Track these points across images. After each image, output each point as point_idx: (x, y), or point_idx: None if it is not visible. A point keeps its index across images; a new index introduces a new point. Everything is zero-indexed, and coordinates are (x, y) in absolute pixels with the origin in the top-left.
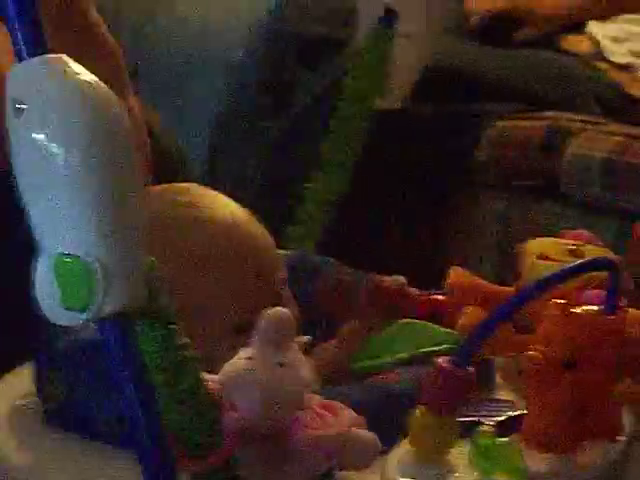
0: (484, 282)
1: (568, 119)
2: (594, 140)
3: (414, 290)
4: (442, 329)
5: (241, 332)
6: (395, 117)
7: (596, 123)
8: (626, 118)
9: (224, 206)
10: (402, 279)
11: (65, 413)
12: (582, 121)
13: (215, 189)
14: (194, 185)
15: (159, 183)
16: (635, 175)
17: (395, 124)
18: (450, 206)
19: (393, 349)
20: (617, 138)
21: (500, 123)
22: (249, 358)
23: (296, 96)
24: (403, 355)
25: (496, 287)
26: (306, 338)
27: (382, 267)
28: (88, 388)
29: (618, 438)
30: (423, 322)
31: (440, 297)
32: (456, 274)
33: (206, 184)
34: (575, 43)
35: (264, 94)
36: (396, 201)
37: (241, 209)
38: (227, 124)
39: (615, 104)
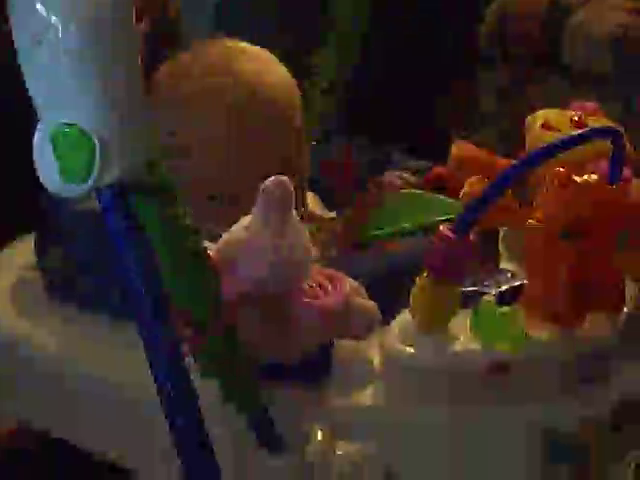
0: (487, 154)
1: None
2: (597, 13)
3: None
4: (446, 199)
5: (216, 201)
6: None
7: None
8: None
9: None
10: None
11: (66, 285)
12: None
13: None
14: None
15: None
16: (638, 48)
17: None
18: (454, 78)
19: (398, 219)
20: (621, 12)
21: None
22: (249, 226)
23: None
24: (407, 225)
25: (499, 159)
26: (332, 214)
27: (388, 139)
28: (88, 260)
29: (621, 309)
30: (427, 193)
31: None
32: (459, 147)
33: None
34: None
35: None
36: (400, 73)
37: (276, 75)
38: None
39: None
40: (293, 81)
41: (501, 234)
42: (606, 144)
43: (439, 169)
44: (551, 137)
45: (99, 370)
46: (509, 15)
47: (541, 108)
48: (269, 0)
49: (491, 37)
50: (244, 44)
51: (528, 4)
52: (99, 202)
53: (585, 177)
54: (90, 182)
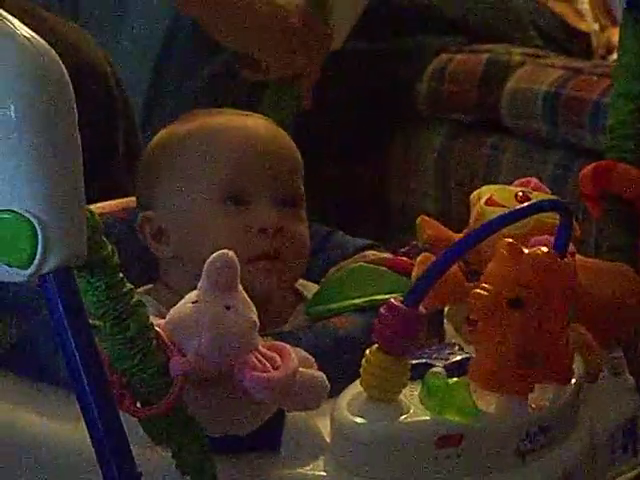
0: (454, 234)
1: (508, 52)
2: (535, 73)
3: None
4: (396, 276)
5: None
6: (336, 57)
7: (537, 56)
8: (567, 51)
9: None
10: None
11: (15, 356)
12: (523, 54)
13: None
14: None
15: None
16: (576, 108)
17: (337, 64)
18: (392, 142)
19: (347, 294)
20: (558, 71)
21: (441, 57)
22: (195, 302)
23: None
24: (357, 302)
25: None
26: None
27: (325, 207)
28: (37, 333)
29: (569, 382)
30: (376, 267)
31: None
32: (429, 226)
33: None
34: None
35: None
36: (339, 139)
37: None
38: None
39: (556, 36)
40: None
41: (445, 310)
42: (547, 219)
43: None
44: (496, 212)
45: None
46: (447, 75)
47: (482, 171)
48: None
49: (428, 98)
50: None
51: (466, 64)
52: (41, 286)
53: (534, 248)
54: (32, 268)
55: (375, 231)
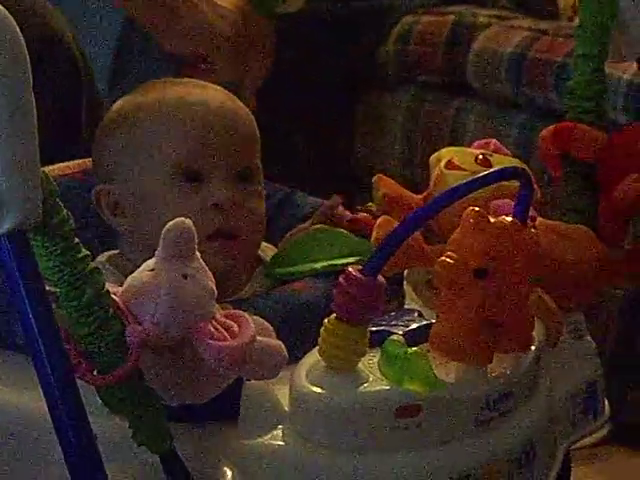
0: (410, 193)
1: (474, 13)
2: (500, 35)
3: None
4: (356, 239)
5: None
6: (300, 19)
7: (502, 17)
8: (533, 12)
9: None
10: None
11: None
12: (488, 15)
13: None
14: None
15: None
16: (542, 69)
17: (300, 26)
18: (358, 103)
19: (306, 256)
20: (524, 32)
21: (407, 18)
22: (152, 270)
23: None
24: (317, 266)
25: (417, 197)
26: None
27: (295, 170)
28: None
29: (529, 349)
30: (338, 230)
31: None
32: (385, 184)
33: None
34: None
35: None
36: (304, 102)
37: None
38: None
39: None
40: None
41: (405, 272)
42: (508, 183)
43: (364, 217)
44: (456, 176)
45: None
46: (414, 36)
47: (448, 132)
48: None
49: (395, 59)
50: None
51: (432, 26)
52: None
53: (500, 218)
54: None
55: (342, 193)
